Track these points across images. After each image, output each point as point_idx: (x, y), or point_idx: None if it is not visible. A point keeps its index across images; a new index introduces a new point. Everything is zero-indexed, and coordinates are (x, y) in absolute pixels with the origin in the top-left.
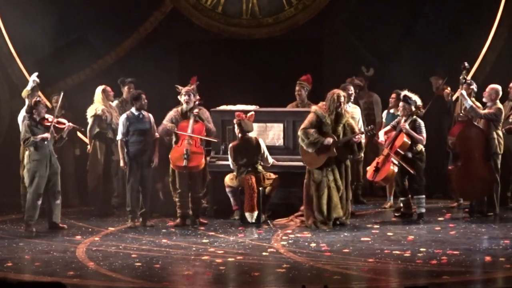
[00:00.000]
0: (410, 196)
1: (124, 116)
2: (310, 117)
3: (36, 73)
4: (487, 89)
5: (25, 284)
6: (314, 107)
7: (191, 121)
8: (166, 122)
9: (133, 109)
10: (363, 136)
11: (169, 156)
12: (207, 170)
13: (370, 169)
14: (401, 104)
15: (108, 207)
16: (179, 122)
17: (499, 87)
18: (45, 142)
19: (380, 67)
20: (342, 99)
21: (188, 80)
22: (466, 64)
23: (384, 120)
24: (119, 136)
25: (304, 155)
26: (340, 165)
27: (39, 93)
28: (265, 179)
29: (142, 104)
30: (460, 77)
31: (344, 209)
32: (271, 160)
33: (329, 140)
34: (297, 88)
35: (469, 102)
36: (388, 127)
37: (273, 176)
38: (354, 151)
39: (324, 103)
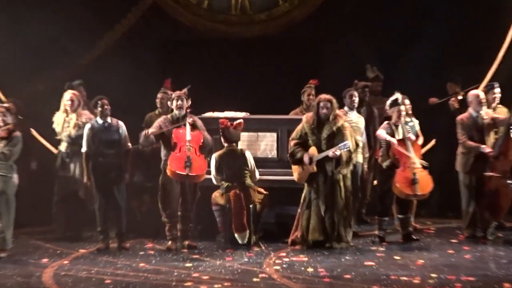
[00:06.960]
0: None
1: (88, 125)
2: (298, 127)
3: None
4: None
5: None
6: (304, 117)
7: (188, 128)
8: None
9: (98, 118)
10: (341, 151)
11: (168, 163)
12: (198, 186)
13: (402, 184)
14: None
15: (76, 228)
16: (171, 130)
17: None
18: None
19: (382, 70)
20: (324, 104)
21: (172, 83)
22: None
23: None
24: (83, 148)
25: (293, 168)
26: (328, 182)
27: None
28: (255, 195)
29: (104, 111)
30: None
31: (328, 233)
32: (257, 174)
33: (306, 158)
34: (309, 91)
35: None
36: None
37: (263, 191)
38: (338, 166)
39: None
